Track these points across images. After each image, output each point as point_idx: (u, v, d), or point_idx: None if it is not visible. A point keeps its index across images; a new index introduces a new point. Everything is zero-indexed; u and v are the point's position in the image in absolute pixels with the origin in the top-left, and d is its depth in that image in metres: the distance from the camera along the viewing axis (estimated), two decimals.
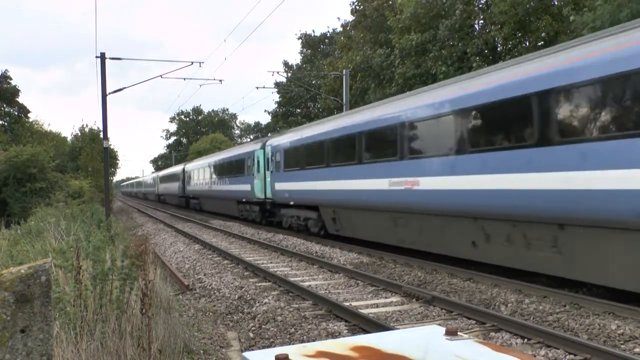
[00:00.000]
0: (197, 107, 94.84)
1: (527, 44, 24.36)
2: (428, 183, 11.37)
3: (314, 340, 6.50)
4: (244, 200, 25.52)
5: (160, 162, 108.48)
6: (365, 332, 6.91)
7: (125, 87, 23.43)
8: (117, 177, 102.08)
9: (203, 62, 23.40)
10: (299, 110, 50.05)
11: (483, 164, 9.77)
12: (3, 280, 2.17)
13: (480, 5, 25.85)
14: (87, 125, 48.86)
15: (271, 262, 13.78)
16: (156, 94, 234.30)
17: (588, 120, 7.89)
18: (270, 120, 57.49)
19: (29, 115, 49.71)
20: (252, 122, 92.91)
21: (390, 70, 27.79)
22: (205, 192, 34.56)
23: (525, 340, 6.56)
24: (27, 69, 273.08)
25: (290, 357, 1.64)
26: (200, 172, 36.36)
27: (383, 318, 7.79)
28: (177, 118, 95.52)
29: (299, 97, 46.97)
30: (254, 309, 8.45)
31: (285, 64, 52.30)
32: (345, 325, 7.52)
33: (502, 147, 9.39)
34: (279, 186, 20.28)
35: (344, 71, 27.55)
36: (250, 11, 76.09)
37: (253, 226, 24.30)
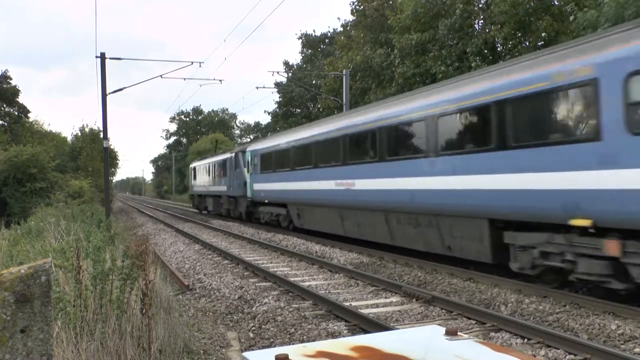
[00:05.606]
0: (197, 107, 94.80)
1: (527, 44, 24.35)
2: None
3: (314, 340, 6.50)
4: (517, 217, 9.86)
5: (160, 162, 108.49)
6: (365, 332, 6.91)
7: (125, 87, 23.49)
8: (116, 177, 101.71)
9: (203, 62, 23.55)
10: (299, 111, 50.03)
11: None
12: (3, 280, 2.17)
13: (480, 5, 25.85)
14: (87, 125, 48.79)
15: (271, 262, 13.78)
16: (156, 94, 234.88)
17: None
18: (270, 120, 57.43)
19: (29, 115, 49.69)
20: (252, 122, 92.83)
21: (390, 70, 27.79)
22: (312, 194, 17.65)
23: (525, 340, 6.56)
24: (29, 69, 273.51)
25: (290, 357, 1.64)
26: (296, 154, 19.19)
27: (383, 318, 7.79)
28: (177, 118, 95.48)
29: (299, 97, 46.94)
30: (254, 309, 8.45)
31: (286, 63, 52.31)
32: (345, 325, 7.52)
33: None
34: None
35: (344, 71, 27.54)
36: (250, 11, 76.20)
37: (253, 226, 24.09)
